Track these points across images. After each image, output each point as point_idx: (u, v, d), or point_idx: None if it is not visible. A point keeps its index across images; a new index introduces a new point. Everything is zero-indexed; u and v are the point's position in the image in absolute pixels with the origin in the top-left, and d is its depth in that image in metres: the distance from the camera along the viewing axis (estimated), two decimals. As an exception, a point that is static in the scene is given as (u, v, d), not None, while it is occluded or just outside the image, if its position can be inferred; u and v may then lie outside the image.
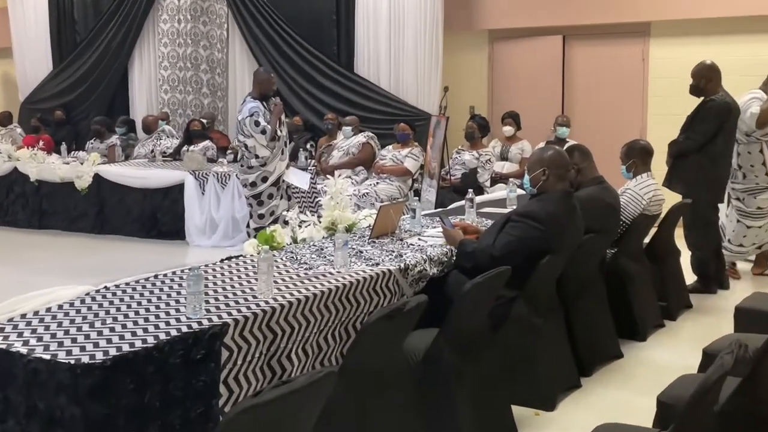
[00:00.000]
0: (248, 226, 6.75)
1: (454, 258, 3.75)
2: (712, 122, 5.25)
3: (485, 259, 3.51)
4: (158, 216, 7.81)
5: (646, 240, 4.89)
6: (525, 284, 3.46)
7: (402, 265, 3.39)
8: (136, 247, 7.52)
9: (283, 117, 6.62)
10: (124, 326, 2.49)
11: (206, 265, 3.34)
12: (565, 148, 4.38)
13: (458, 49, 8.85)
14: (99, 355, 2.20)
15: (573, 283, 3.86)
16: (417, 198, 5.42)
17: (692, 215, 5.31)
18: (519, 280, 3.41)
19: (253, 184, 6.52)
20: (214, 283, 3.03)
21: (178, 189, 7.70)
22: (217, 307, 2.69)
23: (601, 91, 8.37)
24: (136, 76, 10.43)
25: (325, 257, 3.52)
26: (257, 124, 6.33)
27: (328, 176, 7.58)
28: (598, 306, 4.16)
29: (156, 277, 3.13)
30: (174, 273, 3.18)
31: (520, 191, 5.43)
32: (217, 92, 10.08)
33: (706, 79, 5.34)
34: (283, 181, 6.62)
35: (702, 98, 5.39)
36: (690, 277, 5.38)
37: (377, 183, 7.48)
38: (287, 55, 9.38)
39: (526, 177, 3.76)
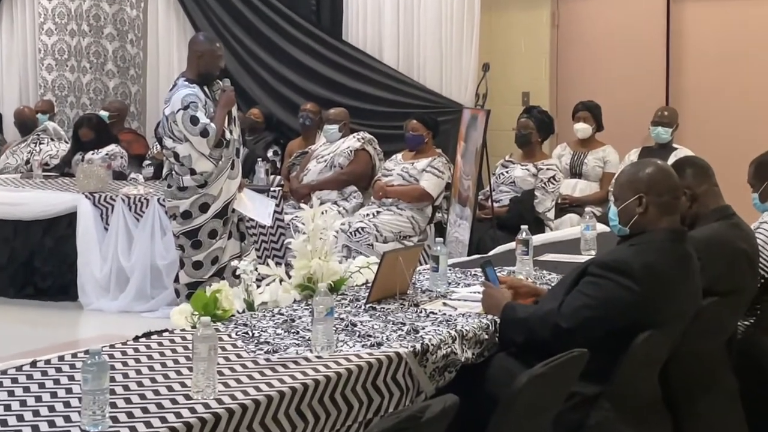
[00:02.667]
0: (177, 280, 6.75)
1: (499, 331, 3.75)
2: None
3: (546, 331, 3.53)
4: (35, 263, 7.83)
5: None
6: (611, 376, 3.46)
7: (418, 346, 3.39)
8: (2, 313, 7.50)
9: (234, 110, 6.66)
10: (-17, 444, 2.48)
11: (112, 346, 3.31)
12: (671, 161, 4.38)
13: (504, 4, 8.90)
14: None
15: (686, 373, 3.85)
16: (441, 238, 5.41)
17: None
18: (602, 369, 3.40)
19: (187, 215, 6.54)
20: (126, 375, 3.02)
21: (67, 221, 7.73)
22: (130, 414, 2.68)
23: (725, 71, 8.40)
24: (4, 46, 10.51)
25: (298, 333, 3.51)
26: (195, 121, 6.36)
27: (302, 203, 7.66)
28: (727, 409, 4.14)
29: (33, 365, 3.09)
30: (61, 358, 3.15)
31: (602, 227, 5.43)
32: (130, 70, 10.15)
33: None
34: (234, 210, 6.63)
35: None
36: None
37: (378, 213, 7.50)
38: (240, 14, 9.45)
39: (612, 207, 3.77)
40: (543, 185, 7.36)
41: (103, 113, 9.21)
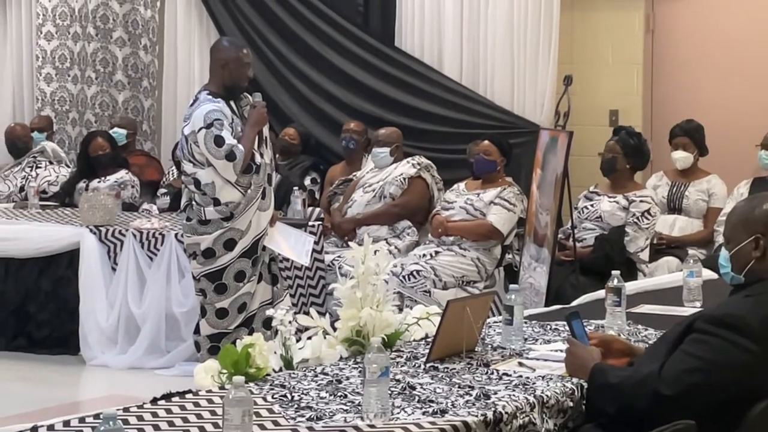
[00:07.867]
0: (197, 331, 6.75)
1: (586, 399, 3.74)
2: None
3: (644, 399, 3.51)
4: (30, 310, 7.85)
5: None
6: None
7: (489, 415, 3.38)
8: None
9: (266, 129, 6.68)
10: None
11: (125, 409, 3.31)
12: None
13: (589, 4, 8.89)
14: None
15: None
16: (514, 284, 5.38)
17: None
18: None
19: (209, 254, 6.54)
20: (144, 445, 3.04)
21: (68, 260, 7.76)
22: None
23: None
24: (-5, 52, 10.62)
25: (346, 397, 3.51)
26: (219, 141, 6.38)
27: (346, 240, 7.67)
28: None
29: (34, 431, 3.09)
30: (66, 424, 3.15)
31: (708, 274, 5.39)
32: (143, 81, 10.20)
33: None
34: (264, 248, 6.64)
35: None
36: None
37: (437, 253, 7.49)
38: (273, 15, 9.49)
39: (723, 251, 3.76)
40: (635, 220, 7.30)
41: (120, 131, 9.22)
